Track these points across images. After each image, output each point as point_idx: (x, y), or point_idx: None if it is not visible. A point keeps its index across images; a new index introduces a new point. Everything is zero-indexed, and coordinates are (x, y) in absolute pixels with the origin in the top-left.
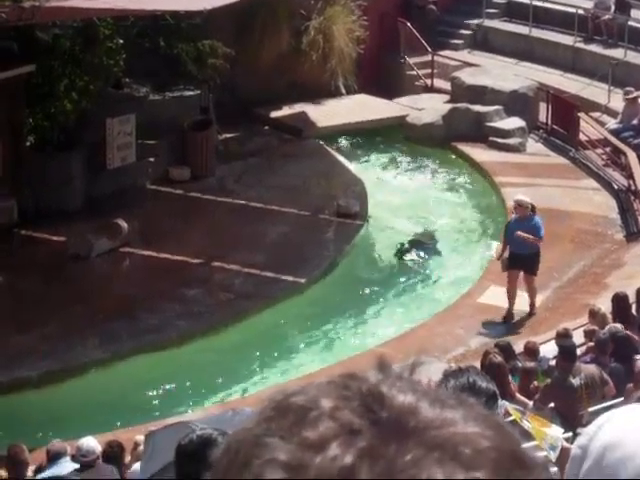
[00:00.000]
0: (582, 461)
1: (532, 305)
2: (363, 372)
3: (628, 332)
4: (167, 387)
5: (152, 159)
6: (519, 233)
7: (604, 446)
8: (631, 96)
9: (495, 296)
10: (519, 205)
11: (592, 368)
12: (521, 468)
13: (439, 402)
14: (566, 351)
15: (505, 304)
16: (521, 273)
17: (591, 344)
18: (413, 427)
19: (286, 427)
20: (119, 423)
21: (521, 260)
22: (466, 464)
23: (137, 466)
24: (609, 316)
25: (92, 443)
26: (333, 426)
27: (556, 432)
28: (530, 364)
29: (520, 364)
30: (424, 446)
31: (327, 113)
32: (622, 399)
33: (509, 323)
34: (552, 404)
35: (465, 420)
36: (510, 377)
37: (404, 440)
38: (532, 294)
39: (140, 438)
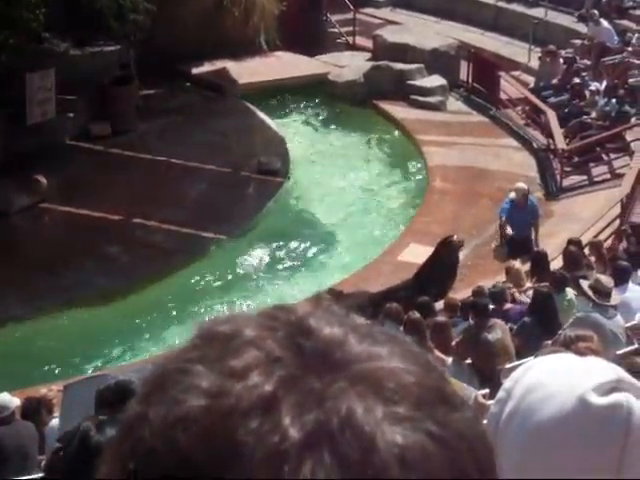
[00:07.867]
0: (505, 403)
1: None
2: (294, 304)
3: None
4: (86, 344)
5: (71, 114)
6: None
7: (527, 388)
8: (547, 50)
9: (415, 254)
10: (523, 195)
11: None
12: (444, 404)
13: (368, 337)
14: (479, 308)
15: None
16: None
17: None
18: (337, 359)
19: (210, 355)
20: (37, 379)
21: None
22: (388, 398)
23: (55, 422)
24: (524, 273)
25: (6, 398)
26: (256, 355)
27: (469, 392)
28: (441, 318)
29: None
30: (347, 379)
31: (249, 70)
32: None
33: None
34: (469, 360)
35: (391, 355)
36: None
37: (327, 372)
38: None
39: (49, 392)
